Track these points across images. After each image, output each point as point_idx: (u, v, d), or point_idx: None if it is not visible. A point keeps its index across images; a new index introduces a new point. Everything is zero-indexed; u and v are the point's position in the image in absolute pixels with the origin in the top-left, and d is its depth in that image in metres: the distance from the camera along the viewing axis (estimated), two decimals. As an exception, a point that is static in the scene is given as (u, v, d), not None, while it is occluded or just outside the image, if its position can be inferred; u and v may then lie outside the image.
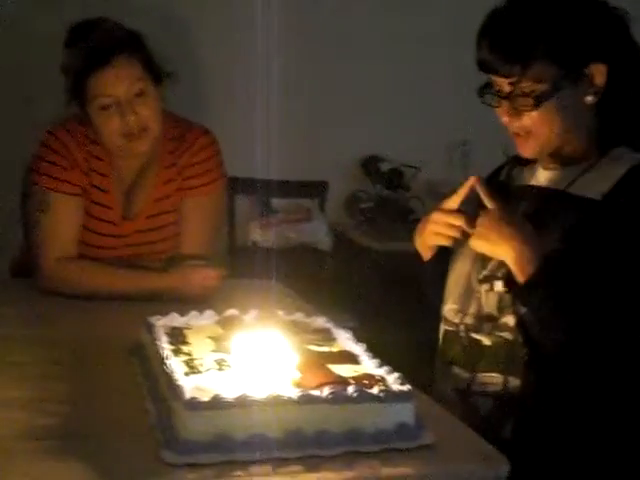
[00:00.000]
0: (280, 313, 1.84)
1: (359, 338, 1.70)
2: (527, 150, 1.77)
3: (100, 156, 2.35)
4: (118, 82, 2.22)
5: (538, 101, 1.68)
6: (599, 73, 1.69)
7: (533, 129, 1.72)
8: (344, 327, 1.77)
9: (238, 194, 4.15)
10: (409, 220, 3.98)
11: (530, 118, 1.71)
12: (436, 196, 4.16)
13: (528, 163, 1.85)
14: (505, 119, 1.74)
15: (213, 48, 4.09)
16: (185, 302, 2.06)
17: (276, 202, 4.20)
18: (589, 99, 1.70)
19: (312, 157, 4.19)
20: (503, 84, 1.72)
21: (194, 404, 1.32)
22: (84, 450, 1.34)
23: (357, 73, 4.28)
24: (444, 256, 1.89)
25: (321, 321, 1.82)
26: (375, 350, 1.63)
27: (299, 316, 1.84)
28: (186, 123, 2.43)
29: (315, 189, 4.29)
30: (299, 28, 4.12)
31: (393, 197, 4.16)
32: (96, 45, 2.22)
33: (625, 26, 1.73)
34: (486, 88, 1.76)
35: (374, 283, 3.88)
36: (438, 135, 4.21)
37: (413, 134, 4.24)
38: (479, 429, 1.50)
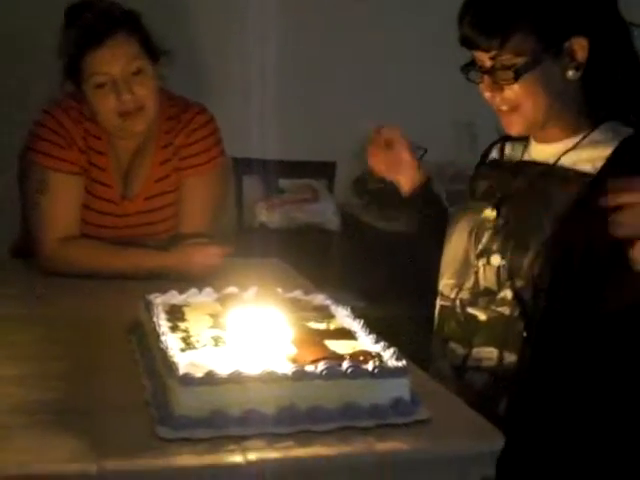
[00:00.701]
0: (279, 290, 1.83)
1: (367, 318, 1.69)
2: (513, 127, 1.77)
3: (97, 134, 2.35)
4: (114, 60, 2.21)
5: (518, 74, 1.68)
6: (580, 47, 1.69)
7: (516, 104, 1.72)
8: (351, 307, 1.76)
9: (245, 175, 4.15)
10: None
11: (512, 92, 1.71)
12: (444, 177, 4.16)
13: (520, 140, 1.86)
14: (487, 94, 1.75)
15: (214, 26, 4.08)
16: (186, 281, 2.05)
17: (283, 183, 4.19)
18: (570, 73, 1.70)
19: (320, 137, 4.18)
20: (484, 59, 1.72)
21: (188, 380, 1.32)
22: (79, 425, 1.34)
23: (365, 51, 4.25)
24: (440, 225, 1.92)
25: (320, 298, 1.82)
26: (381, 329, 1.62)
27: (298, 293, 1.84)
28: (183, 102, 2.42)
29: (323, 169, 4.28)
30: (303, 2, 4.11)
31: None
32: (93, 24, 2.21)
33: (611, 1, 1.72)
34: (470, 65, 1.77)
35: (382, 263, 3.87)
36: (445, 116, 4.19)
37: (420, 115, 4.21)
38: (474, 405, 1.49)
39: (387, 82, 4.28)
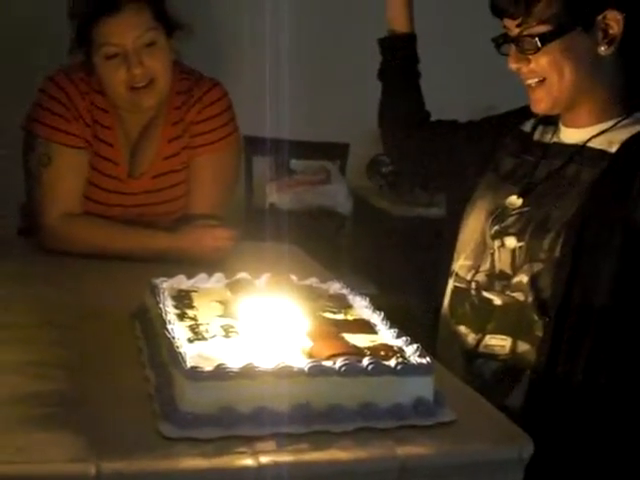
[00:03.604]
0: (293, 278, 1.74)
1: (377, 304, 1.61)
2: (539, 102, 1.72)
3: (104, 107, 2.25)
4: (126, 31, 2.11)
5: (542, 42, 1.64)
6: (615, 21, 1.63)
7: (542, 76, 1.68)
8: (362, 293, 1.68)
9: (256, 155, 4.06)
10: (430, 186, 3.88)
11: (538, 63, 1.67)
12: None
13: (551, 123, 1.80)
14: (514, 66, 1.71)
15: (231, 1, 3.99)
16: (195, 264, 1.96)
17: (295, 163, 4.11)
18: (602, 49, 1.65)
19: (334, 118, 4.10)
20: (511, 26, 1.69)
21: (196, 374, 1.22)
22: (78, 420, 1.26)
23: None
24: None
25: (337, 287, 1.72)
26: (393, 317, 1.54)
27: (313, 281, 1.75)
28: (195, 76, 2.31)
29: (336, 151, 4.21)
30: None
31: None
32: None
33: None
34: (501, 37, 1.74)
35: (394, 249, 3.79)
36: (462, 99, 4.09)
37: (438, 97, 4.12)
38: (482, 394, 1.43)
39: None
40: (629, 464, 1.64)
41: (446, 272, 1.85)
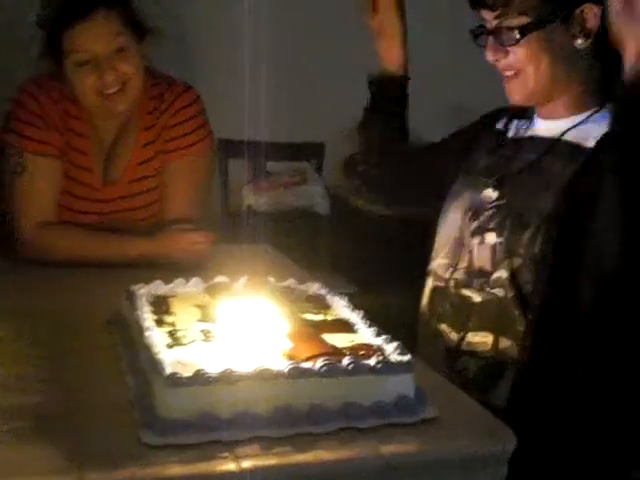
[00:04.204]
0: (272, 279, 1.73)
1: (357, 304, 1.61)
2: (515, 94, 1.73)
3: (77, 115, 2.23)
4: (97, 37, 2.09)
5: (521, 34, 1.64)
6: (591, 15, 1.64)
7: (519, 68, 1.68)
8: (341, 292, 1.67)
9: (231, 157, 4.04)
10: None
11: (515, 55, 1.67)
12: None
13: (525, 117, 1.81)
14: (492, 58, 1.71)
15: (203, 4, 3.97)
16: (172, 268, 1.94)
17: (271, 165, 4.09)
18: (579, 42, 1.65)
19: (308, 118, 4.08)
20: (490, 18, 1.69)
21: (175, 380, 1.21)
22: (58, 431, 1.24)
23: (356, 32, 4.16)
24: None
25: (315, 287, 1.71)
26: (373, 316, 1.53)
27: (292, 282, 1.74)
28: (167, 80, 2.30)
29: (312, 151, 4.19)
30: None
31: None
32: None
33: None
34: (478, 29, 1.74)
35: (372, 247, 3.78)
36: (436, 97, 4.09)
37: (411, 95, 4.12)
38: (466, 392, 1.43)
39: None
40: (611, 458, 1.65)
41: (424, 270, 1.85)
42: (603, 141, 1.62)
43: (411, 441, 1.26)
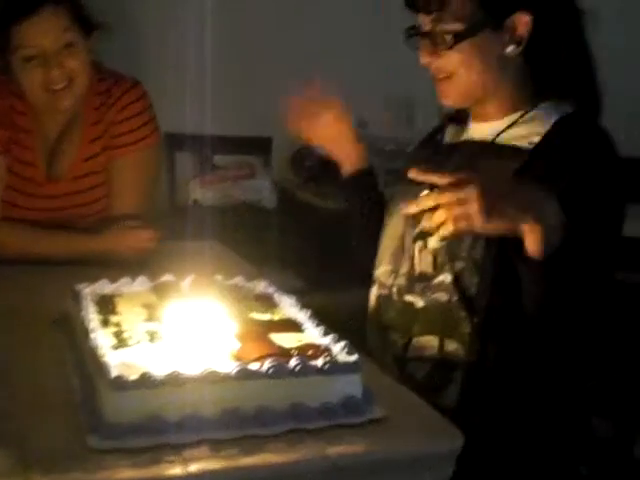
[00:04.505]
0: (219, 278, 1.72)
1: (305, 299, 1.61)
2: (448, 96, 1.74)
3: (23, 110, 2.21)
4: (44, 33, 2.07)
5: (455, 40, 1.66)
6: (522, 24, 1.66)
7: (451, 71, 1.70)
8: (289, 288, 1.67)
9: (178, 151, 4.02)
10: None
11: (448, 59, 1.69)
12: (381, 153, 4.08)
13: (462, 122, 1.83)
14: (425, 60, 1.72)
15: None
16: (118, 265, 1.94)
17: (218, 159, 4.08)
18: (509, 49, 1.68)
19: (256, 112, 4.07)
20: (425, 22, 1.70)
21: (120, 383, 1.20)
22: (3, 434, 1.22)
23: (301, 25, 4.16)
24: (376, 215, 1.90)
25: (263, 286, 1.71)
26: (321, 312, 1.53)
27: (239, 280, 1.73)
28: (114, 76, 2.28)
29: (259, 145, 4.19)
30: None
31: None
32: None
33: None
34: (412, 29, 1.74)
35: (319, 242, 3.79)
36: (383, 91, 4.11)
37: (357, 90, 4.12)
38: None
39: (324, 57, 4.19)
40: (559, 454, 1.67)
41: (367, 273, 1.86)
42: (541, 143, 1.65)
43: (358, 442, 1.25)
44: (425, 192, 1.73)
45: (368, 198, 2.01)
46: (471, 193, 1.34)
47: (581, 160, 1.60)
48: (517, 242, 1.42)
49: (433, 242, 1.68)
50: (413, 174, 1.45)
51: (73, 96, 2.14)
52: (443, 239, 1.51)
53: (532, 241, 1.39)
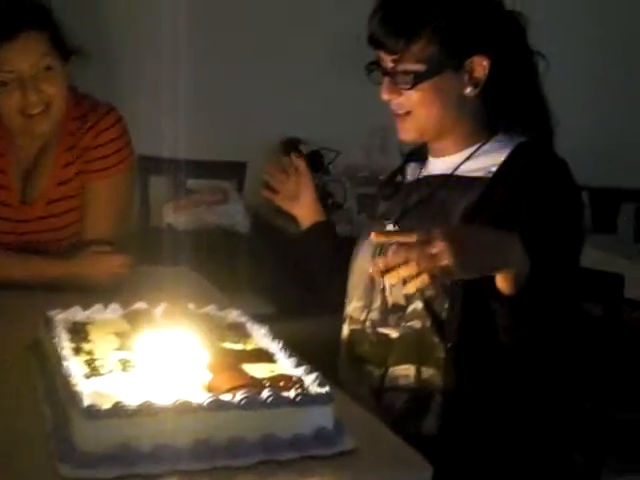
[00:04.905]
0: (191, 306, 1.72)
1: (276, 326, 1.62)
2: (406, 132, 1.78)
3: None
4: (22, 57, 2.08)
5: (416, 80, 1.70)
6: (480, 66, 1.72)
7: (411, 109, 1.74)
8: (261, 313, 1.68)
9: (152, 174, 4.02)
10: (328, 203, 3.90)
11: (408, 97, 1.73)
12: (356, 180, 4.10)
13: (421, 159, 1.88)
14: (385, 96, 1.76)
15: (124, 23, 3.96)
16: (90, 290, 1.94)
17: (192, 183, 4.07)
18: (468, 90, 1.73)
19: (231, 137, 4.10)
20: (387, 60, 1.74)
21: (92, 412, 1.20)
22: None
23: (279, 53, 4.18)
24: (340, 256, 1.93)
25: (235, 315, 1.71)
26: (292, 339, 1.54)
27: (211, 309, 1.73)
28: (89, 101, 2.28)
29: (233, 170, 4.18)
30: (216, 4, 4.02)
31: (312, 180, 4.06)
32: (1, 17, 2.07)
33: (520, 27, 1.77)
34: (373, 65, 1.79)
35: (292, 267, 3.79)
36: (358, 120, 4.13)
37: (333, 118, 4.16)
38: (395, 427, 1.44)
39: (299, 84, 4.22)
40: (539, 474, 1.70)
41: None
42: (499, 173, 1.70)
43: (329, 474, 1.26)
44: (389, 226, 1.77)
45: (328, 243, 2.05)
46: (440, 248, 1.38)
47: (540, 185, 1.65)
48: (488, 279, 1.46)
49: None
50: (377, 238, 1.51)
51: (50, 121, 2.15)
52: (412, 292, 1.54)
53: (503, 282, 1.48)
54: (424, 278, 1.41)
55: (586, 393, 1.86)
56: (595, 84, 4.54)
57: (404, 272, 1.42)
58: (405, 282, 1.44)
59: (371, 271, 1.56)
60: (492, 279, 1.49)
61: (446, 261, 1.37)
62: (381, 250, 1.74)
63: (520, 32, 1.77)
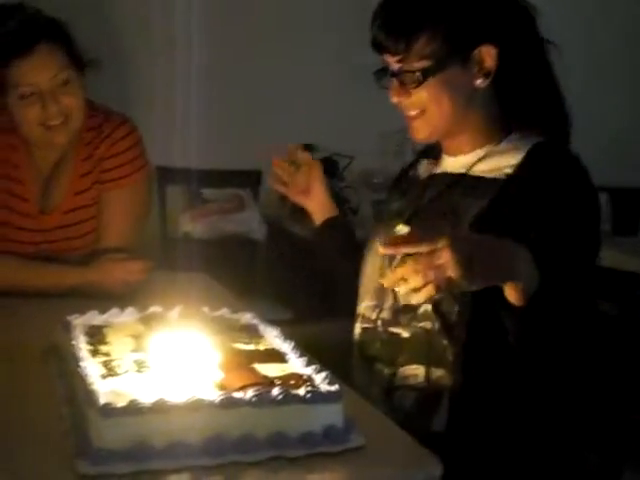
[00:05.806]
0: (205, 309, 1.76)
1: (292, 331, 1.64)
2: (419, 131, 1.77)
3: (14, 145, 2.25)
4: (40, 71, 2.12)
5: (423, 77, 1.69)
6: (488, 56, 1.70)
7: (422, 108, 1.73)
8: (277, 320, 1.71)
9: (169, 184, 4.07)
10: (343, 209, 3.93)
11: (418, 96, 1.72)
12: (370, 186, 4.13)
13: (434, 157, 1.87)
14: (395, 99, 1.76)
15: (137, 33, 4.01)
16: (107, 298, 1.98)
17: (208, 192, 4.12)
18: (478, 82, 1.72)
19: (245, 146, 4.12)
20: (392, 62, 1.74)
21: (109, 410, 1.24)
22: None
23: (292, 60, 4.21)
24: (354, 254, 1.93)
25: (248, 317, 1.75)
26: (308, 343, 1.57)
27: (225, 312, 1.77)
28: (104, 112, 2.33)
29: (248, 178, 4.22)
30: (230, 10, 4.05)
31: (327, 186, 4.09)
32: (17, 32, 2.12)
33: (528, 15, 1.74)
34: (382, 71, 1.78)
35: (308, 273, 3.82)
36: (372, 124, 4.16)
37: (347, 123, 4.18)
38: (405, 425, 1.45)
39: (313, 91, 4.25)
40: (548, 474, 1.71)
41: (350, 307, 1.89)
42: (513, 176, 1.69)
43: (338, 470, 1.29)
44: (400, 227, 1.78)
45: (343, 238, 2.06)
46: (446, 259, 1.36)
47: (556, 189, 1.64)
48: (496, 288, 1.47)
49: None
50: (384, 250, 1.46)
51: (69, 132, 2.19)
52: (422, 302, 1.55)
53: (512, 294, 1.47)
54: (431, 288, 1.41)
55: (601, 393, 1.87)
56: (617, 81, 4.52)
57: (413, 283, 1.41)
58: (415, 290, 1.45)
59: (380, 282, 1.57)
60: (500, 289, 1.48)
61: (451, 272, 1.37)
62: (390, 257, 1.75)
63: (528, 20, 1.74)
